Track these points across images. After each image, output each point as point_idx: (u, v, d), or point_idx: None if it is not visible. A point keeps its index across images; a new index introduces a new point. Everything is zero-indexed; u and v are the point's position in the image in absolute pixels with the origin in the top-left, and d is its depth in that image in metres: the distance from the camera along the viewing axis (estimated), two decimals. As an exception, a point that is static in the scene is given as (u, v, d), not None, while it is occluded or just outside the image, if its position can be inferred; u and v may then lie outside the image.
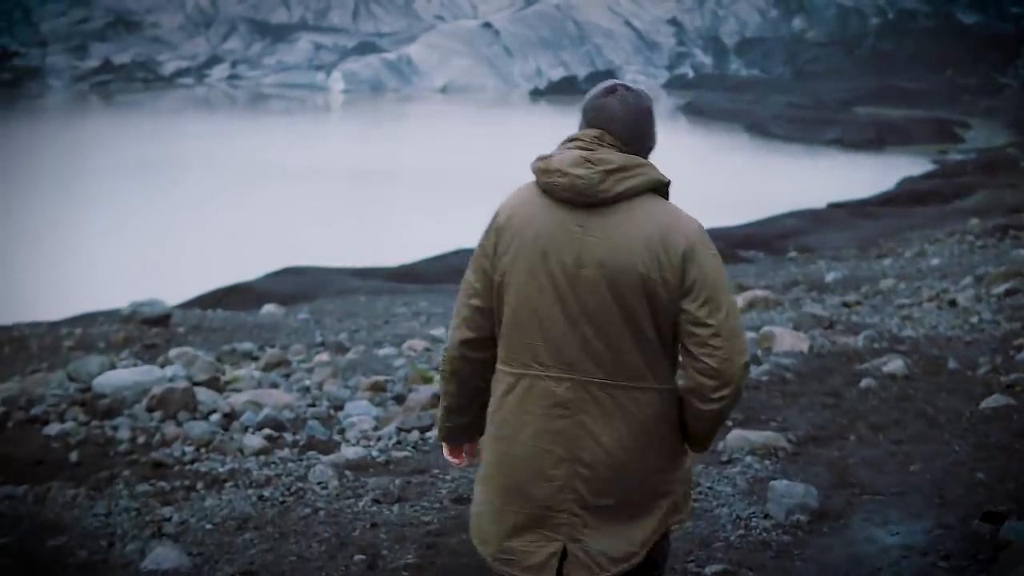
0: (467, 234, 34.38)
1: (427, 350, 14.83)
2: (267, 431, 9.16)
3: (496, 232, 3.51)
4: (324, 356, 14.34)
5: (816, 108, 77.75)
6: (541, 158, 3.47)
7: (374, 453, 8.19)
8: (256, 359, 14.90)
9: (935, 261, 23.93)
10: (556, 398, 3.42)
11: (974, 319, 14.59)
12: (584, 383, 3.41)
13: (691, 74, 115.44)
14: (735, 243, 33.74)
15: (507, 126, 76.57)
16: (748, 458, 7.56)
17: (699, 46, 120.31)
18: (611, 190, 3.37)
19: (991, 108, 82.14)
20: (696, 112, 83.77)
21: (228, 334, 18.20)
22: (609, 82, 3.58)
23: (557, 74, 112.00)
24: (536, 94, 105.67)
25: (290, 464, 7.99)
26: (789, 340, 11.73)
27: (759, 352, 11.40)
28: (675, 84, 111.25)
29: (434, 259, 31.58)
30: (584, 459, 3.42)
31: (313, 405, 10.45)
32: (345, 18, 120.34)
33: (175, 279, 27.80)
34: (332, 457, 8.12)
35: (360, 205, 44.11)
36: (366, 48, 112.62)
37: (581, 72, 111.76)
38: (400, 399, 10.44)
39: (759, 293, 18.97)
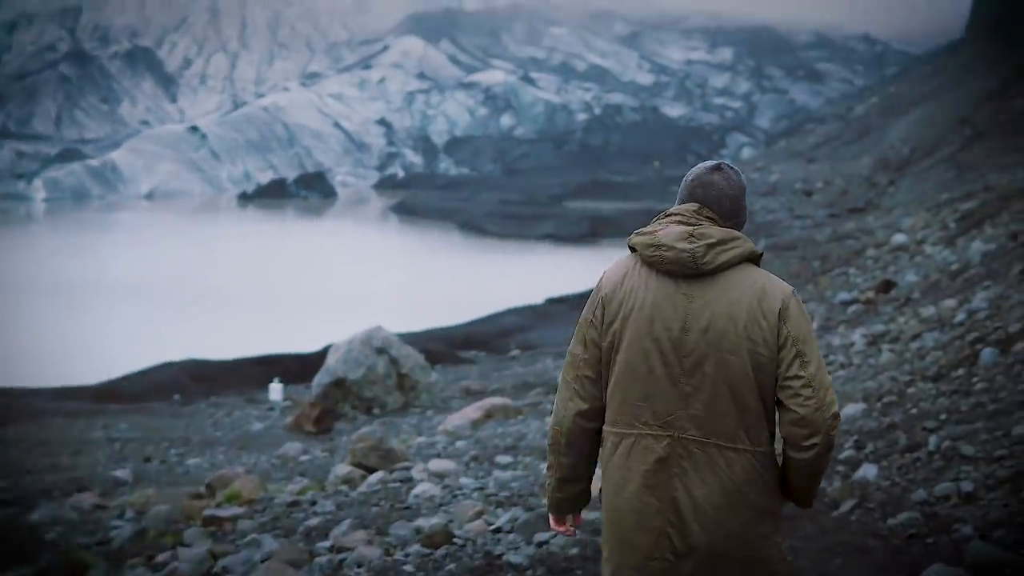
0: (174, 345, 32.84)
1: (97, 508, 12.15)
2: None
3: (602, 303, 3.79)
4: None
5: (528, 204, 79.04)
6: (642, 233, 3.78)
7: None
8: None
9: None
10: (656, 454, 3.68)
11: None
12: (682, 440, 3.66)
13: (401, 174, 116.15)
14: (455, 344, 33.07)
15: (215, 232, 74.85)
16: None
17: (409, 146, 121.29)
18: (713, 261, 3.67)
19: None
20: (408, 212, 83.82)
21: None
22: (713, 160, 3.90)
23: (266, 177, 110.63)
24: (245, 198, 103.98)
25: None
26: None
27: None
28: (386, 184, 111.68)
29: (139, 374, 30.41)
30: (676, 509, 3.66)
31: None
32: (48, 125, 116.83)
33: None
34: None
35: (61, 320, 42.21)
36: (69, 155, 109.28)
37: (290, 174, 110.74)
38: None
39: (496, 401, 17.27)
